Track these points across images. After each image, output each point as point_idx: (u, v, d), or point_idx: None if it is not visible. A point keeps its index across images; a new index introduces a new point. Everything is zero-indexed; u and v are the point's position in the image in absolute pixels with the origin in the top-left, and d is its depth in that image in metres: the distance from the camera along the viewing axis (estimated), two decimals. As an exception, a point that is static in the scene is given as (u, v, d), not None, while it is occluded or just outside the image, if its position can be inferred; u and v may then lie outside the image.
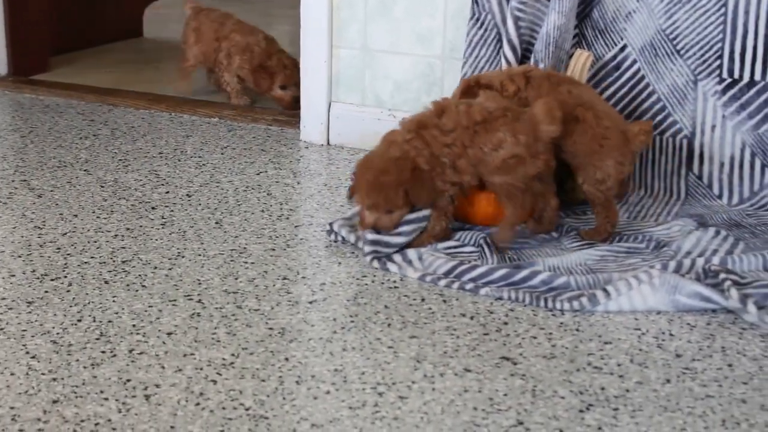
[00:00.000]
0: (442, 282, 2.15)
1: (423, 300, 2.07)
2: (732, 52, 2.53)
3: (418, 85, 3.00)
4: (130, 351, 1.83)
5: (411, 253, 2.25)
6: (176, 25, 5.21)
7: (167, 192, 2.68)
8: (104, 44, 4.68)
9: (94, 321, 1.95)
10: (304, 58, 3.11)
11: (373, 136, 3.03)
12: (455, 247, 2.29)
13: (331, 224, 2.37)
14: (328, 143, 3.14)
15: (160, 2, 5.11)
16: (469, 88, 2.44)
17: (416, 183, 2.24)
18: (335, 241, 2.35)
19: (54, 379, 1.73)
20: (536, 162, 2.27)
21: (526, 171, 2.27)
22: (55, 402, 1.66)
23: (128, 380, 1.73)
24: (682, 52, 2.57)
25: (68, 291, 2.08)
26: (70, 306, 2.01)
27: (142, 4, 4.92)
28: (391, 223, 2.27)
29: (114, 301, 2.04)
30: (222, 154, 3.01)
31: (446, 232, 2.32)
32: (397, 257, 2.25)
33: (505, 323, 1.98)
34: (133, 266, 2.21)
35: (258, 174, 2.83)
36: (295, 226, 2.45)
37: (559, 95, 2.36)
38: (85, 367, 1.77)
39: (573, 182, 2.52)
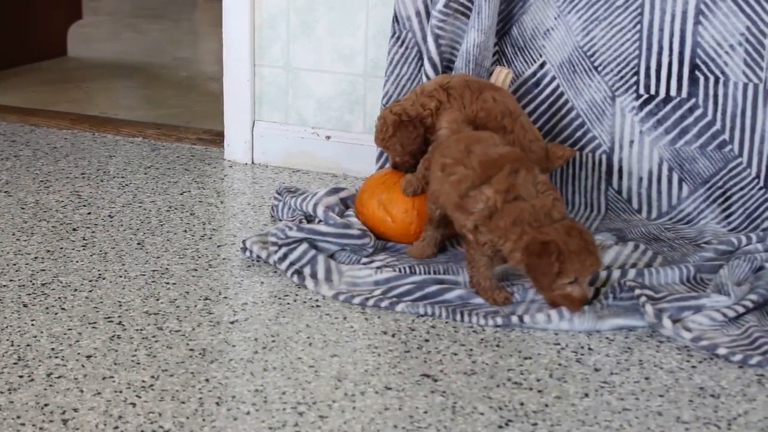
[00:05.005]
0: (356, 300, 2.15)
1: (345, 318, 2.08)
2: (648, 68, 2.57)
3: (341, 103, 3.01)
4: (48, 375, 1.82)
5: (334, 272, 2.25)
6: (100, 44, 5.20)
7: (89, 213, 2.65)
8: (29, 64, 4.64)
9: (12, 345, 1.93)
10: (227, 77, 3.11)
11: (297, 154, 3.06)
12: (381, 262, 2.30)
13: (244, 242, 2.37)
14: (253, 162, 3.13)
15: (84, 21, 5.08)
16: (401, 124, 2.39)
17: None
18: (250, 259, 2.35)
19: (-30, 406, 1.71)
20: None
21: None
22: (-30, 429, 1.64)
23: (46, 405, 1.72)
24: (599, 68, 2.61)
25: (-14, 315, 2.06)
26: (-12, 330, 1.99)
27: (65, 23, 4.88)
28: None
29: (33, 324, 2.02)
30: (145, 174, 3.00)
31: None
32: (321, 273, 2.25)
33: (427, 340, 1.99)
34: (53, 289, 2.19)
35: (181, 194, 2.82)
36: (218, 246, 2.45)
37: (484, 103, 2.36)
38: (1, 392, 1.75)
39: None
